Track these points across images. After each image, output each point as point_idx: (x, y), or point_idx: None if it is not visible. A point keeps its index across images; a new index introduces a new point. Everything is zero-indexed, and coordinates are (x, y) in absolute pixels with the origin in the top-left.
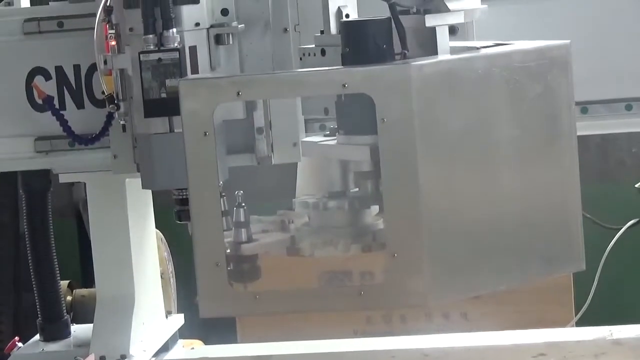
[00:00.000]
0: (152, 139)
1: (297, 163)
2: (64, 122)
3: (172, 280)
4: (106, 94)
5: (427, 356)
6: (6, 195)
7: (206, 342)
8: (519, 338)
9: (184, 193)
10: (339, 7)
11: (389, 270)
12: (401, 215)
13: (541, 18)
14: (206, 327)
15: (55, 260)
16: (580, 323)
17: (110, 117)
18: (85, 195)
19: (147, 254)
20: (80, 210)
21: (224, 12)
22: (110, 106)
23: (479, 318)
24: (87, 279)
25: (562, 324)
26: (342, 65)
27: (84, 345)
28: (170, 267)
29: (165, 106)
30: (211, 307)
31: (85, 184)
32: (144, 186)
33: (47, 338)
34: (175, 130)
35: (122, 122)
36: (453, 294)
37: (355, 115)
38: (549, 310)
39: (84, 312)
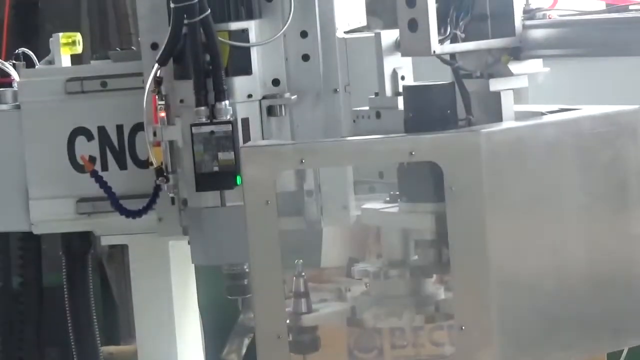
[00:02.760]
0: (203, 213)
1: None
2: (111, 195)
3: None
4: (155, 165)
5: None
6: (29, 250)
7: None
8: None
9: (235, 268)
10: (394, 69)
11: (457, 344)
12: (470, 286)
13: (600, 79)
14: None
15: (96, 322)
16: None
17: (157, 189)
18: (109, 249)
19: (189, 316)
20: (104, 264)
21: (275, 82)
22: (159, 179)
23: None
24: (110, 333)
25: None
26: (405, 130)
27: None
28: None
29: (217, 180)
30: None
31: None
32: (195, 261)
33: None
34: (227, 204)
35: (170, 195)
36: None
37: (418, 182)
38: None
39: None
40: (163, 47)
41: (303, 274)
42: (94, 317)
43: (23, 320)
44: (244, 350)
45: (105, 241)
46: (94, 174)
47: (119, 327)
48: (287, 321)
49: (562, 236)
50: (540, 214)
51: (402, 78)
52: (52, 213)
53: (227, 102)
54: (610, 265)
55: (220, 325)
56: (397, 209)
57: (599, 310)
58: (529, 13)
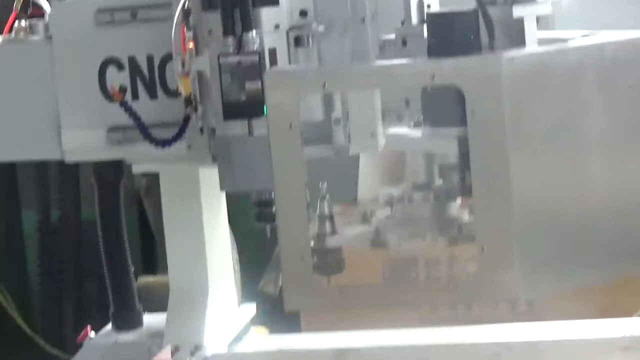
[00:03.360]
0: (231, 141)
1: (359, 156)
2: (141, 125)
3: (237, 268)
4: (184, 95)
5: (511, 350)
6: (67, 183)
7: (270, 329)
8: (599, 328)
9: (263, 195)
10: None
11: (478, 264)
12: (491, 208)
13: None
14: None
15: (128, 250)
16: None
17: (187, 119)
18: (147, 183)
19: (220, 244)
20: (142, 197)
21: (303, 13)
22: (187, 109)
23: (544, 306)
24: (148, 266)
25: (630, 313)
26: (428, 56)
27: (157, 335)
28: (235, 255)
29: (244, 109)
30: (296, 300)
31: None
32: (223, 188)
33: (120, 327)
34: (254, 133)
35: (199, 125)
36: (543, 288)
37: (442, 107)
38: (615, 299)
39: (148, 301)
40: None
41: (327, 196)
42: (127, 246)
43: (62, 253)
44: (280, 282)
45: (137, 169)
46: (124, 104)
47: (157, 258)
48: (312, 243)
49: (584, 160)
50: (563, 138)
51: (428, 7)
52: (83, 142)
53: (254, 32)
54: (632, 190)
55: (257, 256)
56: (421, 134)
57: (621, 235)
58: None
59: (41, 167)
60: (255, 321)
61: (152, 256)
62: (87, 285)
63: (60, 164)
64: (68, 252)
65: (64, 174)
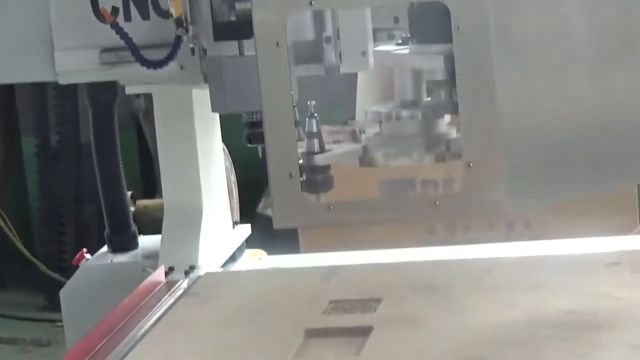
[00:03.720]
0: (222, 62)
1: (357, 73)
2: (133, 46)
3: (235, 191)
4: (174, 16)
5: (501, 264)
6: (66, 107)
7: (268, 252)
8: (588, 246)
9: (255, 116)
10: None
11: (464, 181)
12: (477, 124)
13: None
14: (267, 237)
15: (122, 171)
16: None
17: (178, 40)
18: (145, 106)
19: (214, 165)
20: (140, 120)
21: None
22: (178, 30)
23: (542, 226)
24: (148, 189)
25: (626, 231)
26: None
27: (151, 257)
28: (233, 177)
29: (235, 29)
30: (285, 217)
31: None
32: (215, 109)
33: (115, 249)
34: (245, 54)
35: (190, 46)
36: (530, 203)
37: (428, 23)
38: (612, 218)
39: (146, 223)
40: None
41: (316, 114)
42: (121, 167)
43: (61, 176)
44: None
45: (130, 90)
46: (115, 25)
47: (155, 181)
48: (301, 161)
49: (570, 74)
50: (548, 52)
51: None
52: (77, 63)
53: None
54: (618, 103)
55: (257, 179)
56: (408, 51)
57: (607, 148)
58: None
59: (39, 92)
60: (254, 244)
61: (151, 179)
62: (87, 209)
63: (58, 88)
64: (68, 175)
65: (62, 98)
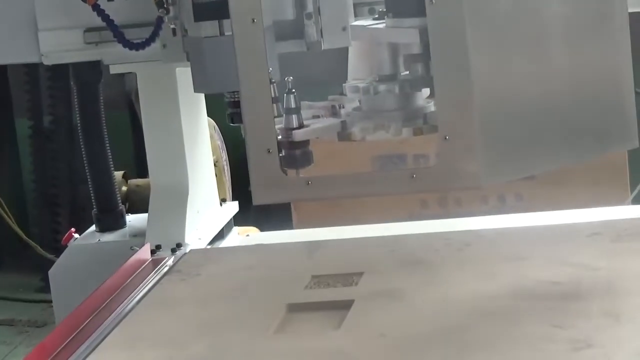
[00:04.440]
0: (203, 42)
1: (347, 48)
2: (114, 27)
3: (226, 168)
4: None
5: (482, 237)
6: (59, 88)
7: (262, 230)
8: (574, 217)
9: (236, 96)
10: None
11: (440, 153)
12: (452, 97)
13: None
14: (261, 215)
15: (109, 150)
16: (636, 202)
17: (159, 21)
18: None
19: (200, 142)
20: (133, 100)
21: None
22: (159, 10)
23: (534, 199)
24: (141, 169)
25: (618, 203)
26: None
27: (139, 235)
28: (224, 155)
29: (215, 9)
30: (264, 193)
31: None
32: (197, 90)
33: (103, 228)
34: (225, 33)
35: (172, 26)
36: (506, 174)
37: None
38: (604, 190)
39: (139, 202)
40: None
41: (294, 90)
42: (108, 146)
43: (55, 158)
44: None
45: (114, 70)
46: (96, 7)
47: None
48: (279, 137)
49: (544, 46)
50: (522, 25)
51: None
52: (61, 43)
53: None
54: (592, 74)
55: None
56: (384, 25)
57: (582, 119)
58: None
59: (32, 73)
60: (249, 221)
61: (145, 159)
62: (81, 190)
63: (51, 69)
64: (61, 157)
65: (55, 80)
